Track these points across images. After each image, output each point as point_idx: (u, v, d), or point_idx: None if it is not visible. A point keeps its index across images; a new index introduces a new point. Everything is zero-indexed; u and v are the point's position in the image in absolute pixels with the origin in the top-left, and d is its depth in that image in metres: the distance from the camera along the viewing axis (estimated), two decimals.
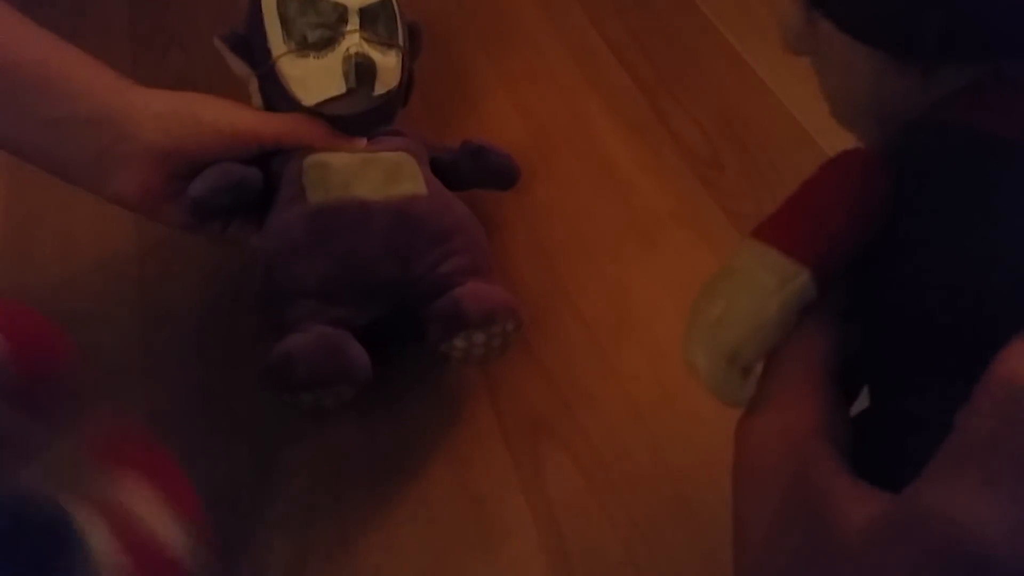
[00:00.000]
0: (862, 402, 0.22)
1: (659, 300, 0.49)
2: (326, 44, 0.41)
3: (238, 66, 0.44)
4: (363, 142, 0.44)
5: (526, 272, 0.51)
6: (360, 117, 0.43)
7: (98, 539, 0.25)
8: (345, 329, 0.40)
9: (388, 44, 0.42)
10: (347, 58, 0.41)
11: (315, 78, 0.41)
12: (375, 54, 0.41)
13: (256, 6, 0.42)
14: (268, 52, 0.42)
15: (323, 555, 0.40)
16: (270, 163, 0.44)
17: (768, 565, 0.20)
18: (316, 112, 0.42)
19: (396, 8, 0.44)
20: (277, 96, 0.43)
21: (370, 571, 0.39)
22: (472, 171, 0.49)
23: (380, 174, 0.43)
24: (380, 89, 0.42)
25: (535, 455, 0.43)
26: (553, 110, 0.61)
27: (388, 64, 0.42)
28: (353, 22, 0.41)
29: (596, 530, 0.40)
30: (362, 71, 0.41)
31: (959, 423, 0.17)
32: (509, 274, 0.51)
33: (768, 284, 0.20)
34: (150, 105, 0.40)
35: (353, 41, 0.41)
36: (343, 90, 0.41)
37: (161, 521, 0.27)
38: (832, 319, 0.21)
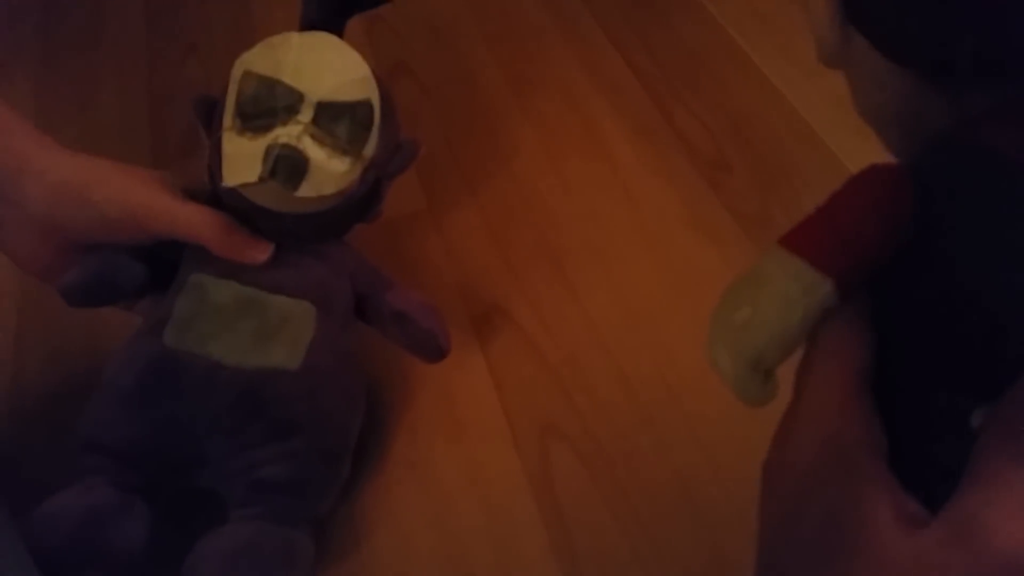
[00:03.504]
0: None
1: (666, 301, 0.49)
2: (265, 128, 0.37)
3: (202, 133, 0.41)
4: (265, 252, 0.39)
5: (533, 274, 0.51)
6: (286, 220, 0.38)
7: None
8: (137, 496, 0.37)
9: (342, 149, 0.37)
10: (272, 146, 0.36)
11: (239, 159, 0.37)
12: (316, 152, 0.37)
13: (229, 75, 0.39)
14: (220, 124, 0.38)
15: (337, 557, 0.40)
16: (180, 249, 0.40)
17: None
18: (238, 197, 0.38)
19: (377, 116, 0.38)
20: (217, 171, 0.38)
21: (384, 573, 0.39)
22: (391, 333, 0.43)
23: (253, 331, 0.38)
24: (308, 191, 0.37)
25: (544, 457, 0.43)
26: (560, 113, 0.61)
27: (330, 168, 0.37)
28: (305, 113, 0.37)
29: (604, 531, 0.40)
30: (284, 164, 0.36)
31: (993, 427, 0.17)
32: (517, 277, 0.51)
33: (793, 293, 0.20)
34: (45, 174, 0.38)
35: (292, 132, 0.36)
36: (254, 178, 0.36)
37: None
38: (865, 326, 0.21)
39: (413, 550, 0.40)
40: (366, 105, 0.38)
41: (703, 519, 0.40)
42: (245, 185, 0.37)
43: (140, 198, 0.38)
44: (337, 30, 0.42)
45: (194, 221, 0.38)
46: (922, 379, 0.20)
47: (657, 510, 0.41)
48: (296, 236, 0.40)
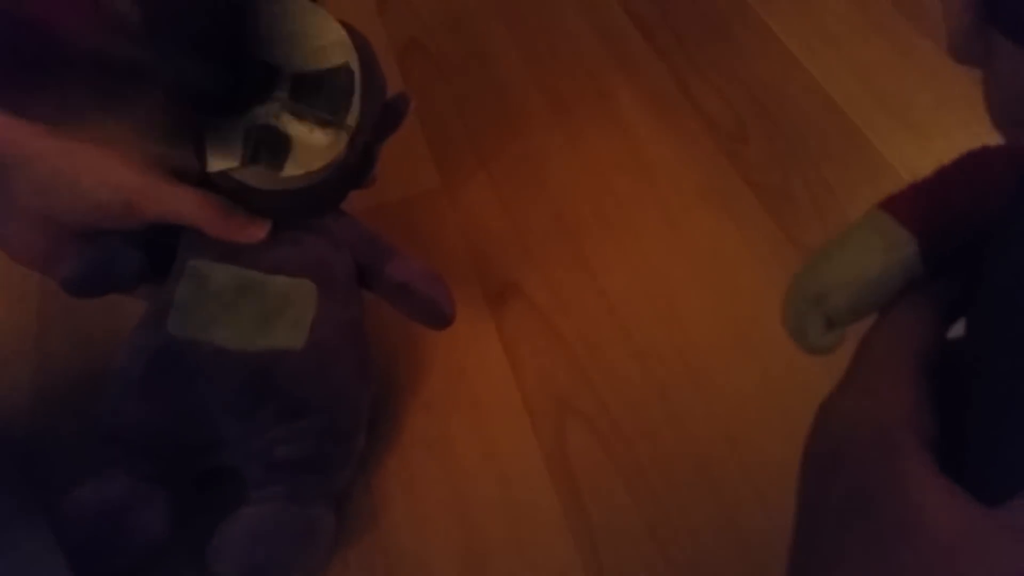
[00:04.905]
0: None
1: (682, 275, 0.49)
2: (245, 106, 0.36)
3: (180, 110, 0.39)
4: (262, 230, 0.38)
5: (548, 250, 0.51)
6: (278, 197, 0.37)
7: None
8: (157, 483, 0.37)
9: (324, 121, 0.36)
10: (250, 128, 0.35)
11: (220, 142, 0.36)
12: (296, 128, 0.36)
13: None
14: None
15: (356, 533, 0.40)
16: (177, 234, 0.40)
17: (833, 547, 0.19)
18: (226, 178, 0.37)
19: (357, 81, 0.37)
20: (201, 153, 0.37)
21: (401, 551, 0.40)
22: (394, 304, 0.43)
23: (255, 313, 0.38)
24: (293, 170, 0.36)
25: (559, 433, 0.43)
26: (576, 87, 0.60)
27: (313, 142, 0.36)
28: (283, 88, 0.35)
29: (619, 506, 0.40)
30: (264, 146, 0.35)
31: None
32: (531, 253, 0.51)
33: (874, 243, 0.21)
34: (33, 164, 0.36)
35: (269, 110, 0.35)
36: (235, 164, 0.36)
37: None
38: (935, 309, 0.21)
39: (430, 525, 0.40)
40: (345, 71, 0.36)
41: (719, 495, 0.40)
42: (230, 168, 0.36)
43: (131, 183, 0.38)
44: None
45: (187, 204, 0.38)
46: (1003, 359, 0.19)
47: (673, 486, 0.41)
48: (290, 212, 0.39)
